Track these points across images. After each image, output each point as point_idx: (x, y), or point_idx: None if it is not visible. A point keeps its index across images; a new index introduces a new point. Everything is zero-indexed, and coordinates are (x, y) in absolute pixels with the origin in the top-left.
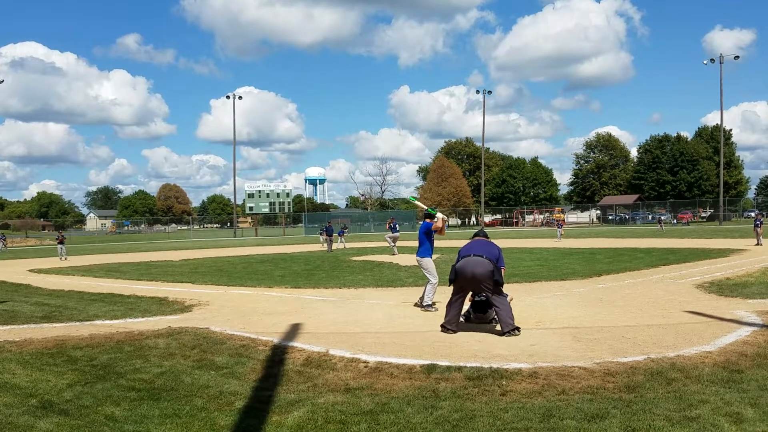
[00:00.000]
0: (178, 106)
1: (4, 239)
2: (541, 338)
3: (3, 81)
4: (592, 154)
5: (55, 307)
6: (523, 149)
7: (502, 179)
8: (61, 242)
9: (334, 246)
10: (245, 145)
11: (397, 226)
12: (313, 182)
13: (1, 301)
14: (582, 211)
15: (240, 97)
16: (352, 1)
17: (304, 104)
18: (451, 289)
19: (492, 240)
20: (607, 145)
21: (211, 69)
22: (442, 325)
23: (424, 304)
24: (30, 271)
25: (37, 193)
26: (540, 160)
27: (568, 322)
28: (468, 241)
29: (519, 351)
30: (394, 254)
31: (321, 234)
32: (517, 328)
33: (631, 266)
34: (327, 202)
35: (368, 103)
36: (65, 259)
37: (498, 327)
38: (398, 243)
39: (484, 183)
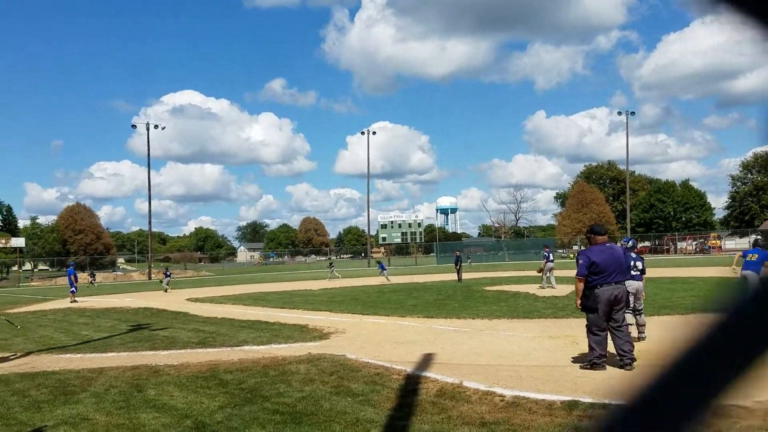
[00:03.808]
0: (319, 144)
1: (93, 276)
2: None
3: (164, 128)
4: (749, 175)
5: (209, 333)
6: (672, 171)
7: (649, 204)
8: (167, 275)
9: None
10: (379, 178)
11: (551, 255)
12: (444, 212)
13: (163, 327)
14: (740, 237)
15: (374, 132)
16: (485, 30)
17: (436, 135)
18: (584, 319)
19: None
20: (766, 165)
21: (349, 107)
22: (590, 362)
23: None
24: (187, 300)
25: (195, 228)
26: (692, 183)
27: None
28: (600, 241)
29: None
30: (545, 287)
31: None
32: (634, 359)
33: None
34: (459, 231)
35: (501, 131)
36: (169, 290)
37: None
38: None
39: (630, 208)
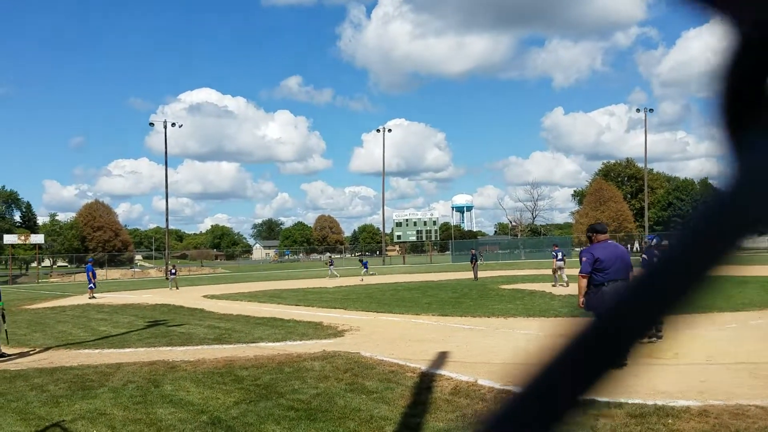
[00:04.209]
0: (334, 142)
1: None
2: (713, 374)
3: (182, 125)
4: None
5: (225, 330)
6: (692, 169)
7: (668, 202)
8: (173, 273)
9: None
10: (394, 176)
11: (560, 254)
12: (460, 209)
13: (179, 324)
14: (759, 235)
15: (389, 130)
16: (503, 25)
17: (452, 132)
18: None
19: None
20: None
21: (365, 104)
22: None
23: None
24: (204, 296)
25: (211, 226)
26: (711, 181)
27: (743, 356)
28: (601, 239)
29: (687, 387)
30: (557, 285)
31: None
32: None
33: None
34: (475, 229)
35: (519, 128)
36: (177, 289)
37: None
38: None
39: (648, 206)
